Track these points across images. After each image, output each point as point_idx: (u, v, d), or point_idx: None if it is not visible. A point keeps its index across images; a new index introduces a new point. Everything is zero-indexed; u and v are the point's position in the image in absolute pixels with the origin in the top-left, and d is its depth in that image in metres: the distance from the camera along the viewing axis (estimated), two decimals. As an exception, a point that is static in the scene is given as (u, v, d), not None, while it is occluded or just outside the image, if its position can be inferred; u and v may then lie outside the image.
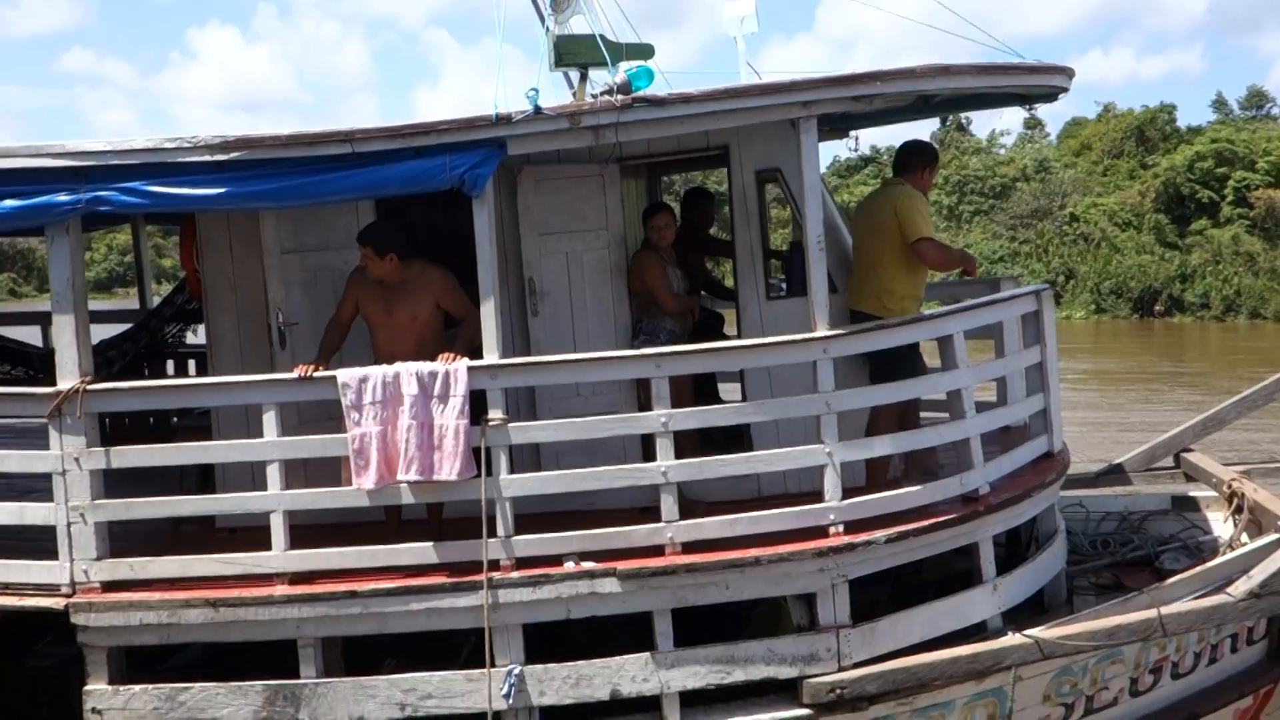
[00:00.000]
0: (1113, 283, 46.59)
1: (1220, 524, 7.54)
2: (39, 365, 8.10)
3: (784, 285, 6.80)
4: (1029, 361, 6.60)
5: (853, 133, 8.47)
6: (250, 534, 5.87)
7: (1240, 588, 5.92)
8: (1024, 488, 6.27)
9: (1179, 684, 6.52)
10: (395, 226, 5.90)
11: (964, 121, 67.35)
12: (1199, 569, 6.48)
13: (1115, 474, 8.40)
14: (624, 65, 5.73)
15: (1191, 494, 7.93)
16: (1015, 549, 7.02)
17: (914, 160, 6.56)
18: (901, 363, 6.18)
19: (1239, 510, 7.20)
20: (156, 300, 9.80)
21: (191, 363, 9.35)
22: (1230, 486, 7.35)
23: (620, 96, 5.33)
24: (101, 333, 8.03)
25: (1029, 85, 6.31)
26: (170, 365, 9.31)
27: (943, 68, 5.54)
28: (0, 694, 6.82)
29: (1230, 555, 6.50)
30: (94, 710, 5.60)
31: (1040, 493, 6.38)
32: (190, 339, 9.08)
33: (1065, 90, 6.59)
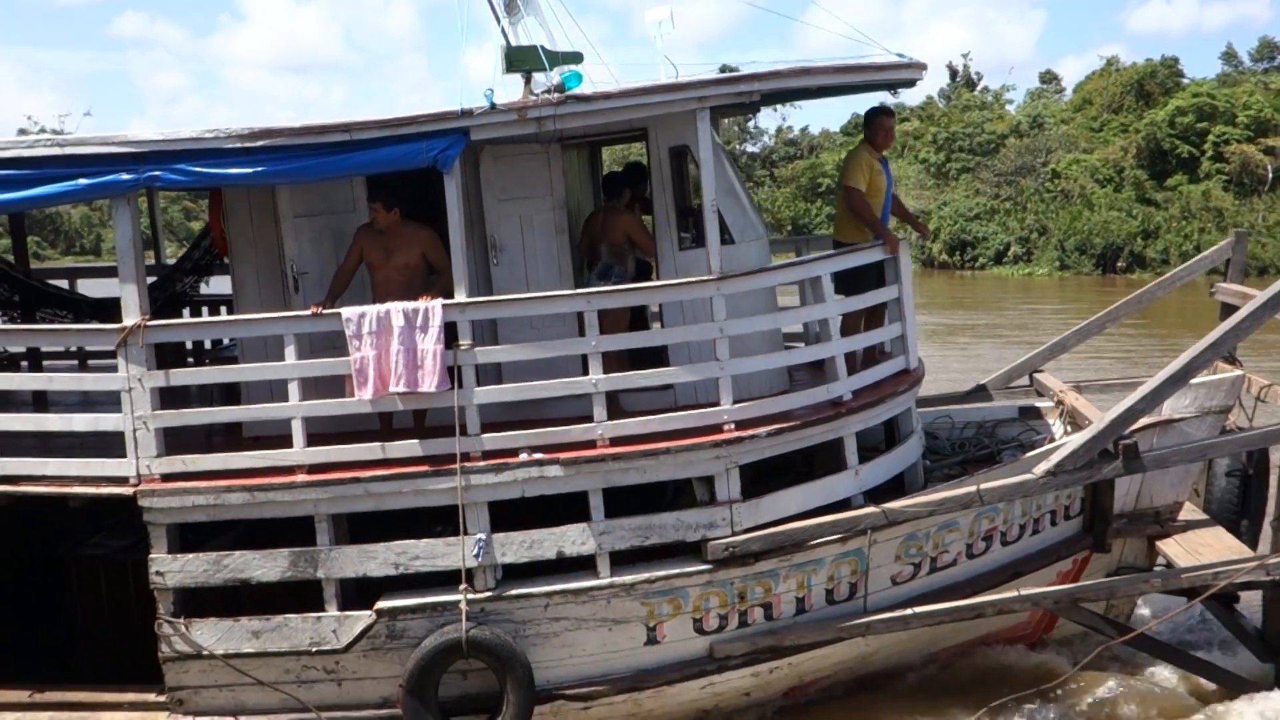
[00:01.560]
0: (1077, 239, 47.61)
1: (1054, 427, 9.32)
2: (88, 311, 9.66)
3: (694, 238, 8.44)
4: (888, 297, 8.30)
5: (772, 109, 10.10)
6: (270, 441, 7.50)
7: (1040, 468, 7.67)
8: (879, 395, 8.00)
9: (1007, 549, 8.28)
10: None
11: (974, 77, 68.14)
12: (1022, 459, 8.25)
13: (980, 392, 10.17)
14: (560, 70, 7.32)
15: (1036, 405, 9.70)
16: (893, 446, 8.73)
17: (866, 127, 8.69)
18: (863, 281, 8.28)
19: (1064, 415, 8.98)
20: (169, 259, 11.33)
21: (204, 309, 10.91)
22: (1059, 397, 9.12)
23: (556, 95, 6.94)
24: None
25: (884, 80, 7.96)
26: (186, 311, 10.85)
27: (803, 69, 7.19)
28: (64, 577, 8.47)
29: (1044, 448, 8.26)
30: (157, 573, 7.25)
31: (894, 399, 8.10)
32: (203, 289, 10.63)
33: (919, 79, 8.24)
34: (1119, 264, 47.18)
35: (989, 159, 56.05)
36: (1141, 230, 46.99)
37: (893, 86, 8.49)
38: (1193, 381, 8.27)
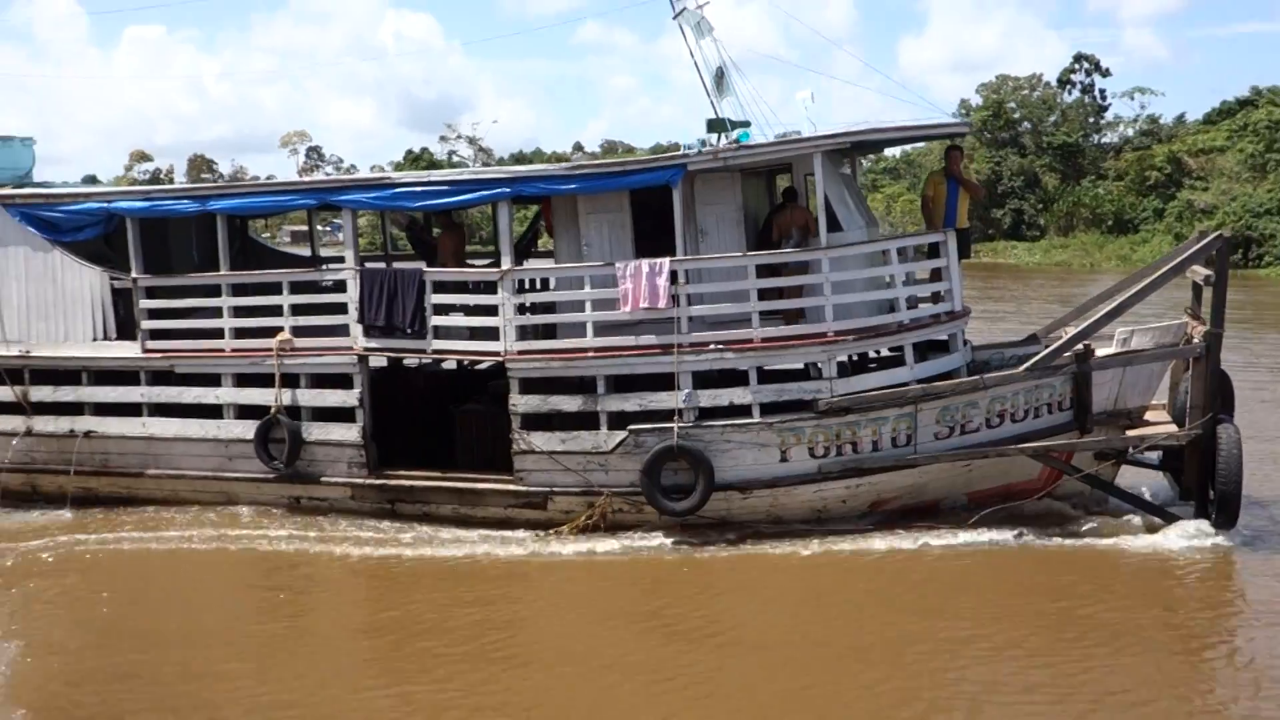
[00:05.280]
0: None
1: (1065, 357, 14.08)
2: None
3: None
4: (938, 264, 13.44)
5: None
6: (572, 336, 13.41)
7: (1023, 368, 12.65)
8: (931, 322, 13.17)
9: (1015, 425, 13.11)
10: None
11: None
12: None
13: (1032, 339, 14.99)
14: (736, 131, 12.98)
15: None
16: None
17: (945, 156, 13.72)
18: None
19: (1067, 346, 13.79)
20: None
21: None
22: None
23: (735, 145, 12.61)
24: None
25: (938, 134, 13.19)
26: None
27: (877, 129, 12.56)
28: (453, 424, 14.70)
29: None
30: (513, 405, 13.31)
31: (937, 326, 13.22)
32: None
33: (965, 134, 13.38)
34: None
35: None
36: None
37: (947, 137, 13.65)
38: (1152, 326, 13.03)
